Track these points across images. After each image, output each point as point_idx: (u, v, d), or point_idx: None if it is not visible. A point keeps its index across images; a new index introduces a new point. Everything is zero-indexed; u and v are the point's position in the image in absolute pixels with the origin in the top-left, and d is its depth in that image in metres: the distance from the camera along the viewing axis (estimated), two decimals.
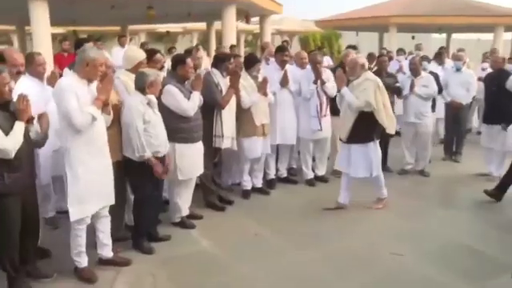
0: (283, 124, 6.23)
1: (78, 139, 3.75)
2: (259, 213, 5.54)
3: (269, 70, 6.39)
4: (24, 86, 4.04)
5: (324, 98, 6.32)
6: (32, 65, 4.58)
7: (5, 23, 16.86)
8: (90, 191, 3.83)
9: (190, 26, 22.70)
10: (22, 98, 3.49)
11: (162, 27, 21.98)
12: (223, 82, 5.45)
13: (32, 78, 4.57)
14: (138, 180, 4.41)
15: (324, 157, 6.77)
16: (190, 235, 4.91)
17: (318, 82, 6.21)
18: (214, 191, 5.68)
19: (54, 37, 12.79)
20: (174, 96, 4.74)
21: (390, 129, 5.37)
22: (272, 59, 6.94)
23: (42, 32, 9.05)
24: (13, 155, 3.37)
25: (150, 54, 5.33)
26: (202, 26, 19.18)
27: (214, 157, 5.54)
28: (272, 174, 6.46)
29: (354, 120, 5.26)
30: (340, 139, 5.55)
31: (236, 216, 5.44)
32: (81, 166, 3.78)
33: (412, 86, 6.87)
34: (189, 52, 6.69)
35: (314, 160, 6.77)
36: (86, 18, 14.91)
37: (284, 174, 6.65)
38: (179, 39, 27.42)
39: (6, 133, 3.36)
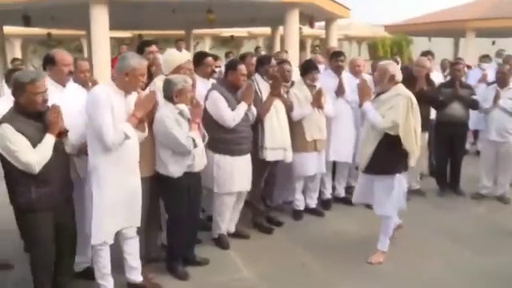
0: (338, 139, 5.64)
1: (108, 157, 3.40)
2: (310, 238, 4.96)
3: (323, 77, 5.77)
4: (70, 94, 3.75)
5: None
6: (75, 71, 4.29)
7: (76, 28, 17.31)
8: (114, 213, 3.49)
9: (255, 30, 22.46)
10: (54, 109, 3.19)
11: (226, 32, 21.89)
12: (265, 87, 4.93)
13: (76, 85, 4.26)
14: (171, 197, 4.03)
15: None
16: (231, 260, 4.45)
17: None
18: (263, 211, 5.19)
19: (121, 41, 12.93)
20: (217, 103, 4.37)
21: (413, 161, 4.31)
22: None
23: (101, 36, 9.13)
24: (37, 170, 3.09)
25: (199, 57, 4.99)
26: (268, 30, 18.85)
27: (264, 172, 5.03)
28: (328, 194, 5.87)
29: (377, 144, 4.23)
30: (356, 168, 4.68)
31: (284, 240, 4.91)
32: (108, 187, 3.44)
33: (496, 98, 5.99)
34: (243, 58, 6.20)
35: None
36: (149, 22, 14.98)
37: (341, 193, 6.03)
38: (244, 44, 27.26)
39: (35, 145, 3.08)
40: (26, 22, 11.15)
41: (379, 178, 4.29)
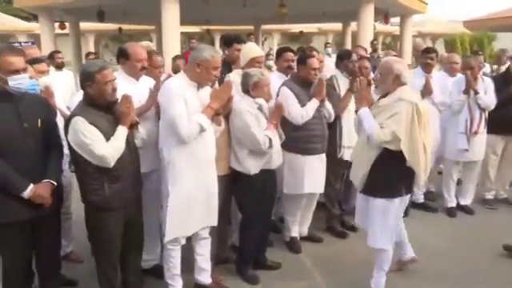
0: None
1: (184, 151, 3.26)
2: None
3: (411, 75, 5.35)
4: (143, 88, 3.66)
5: (477, 112, 5.19)
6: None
7: (146, 23, 17.70)
8: (191, 210, 3.35)
9: (324, 26, 22.06)
10: (125, 99, 3.06)
11: (295, 27, 21.64)
12: (344, 83, 4.64)
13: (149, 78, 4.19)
14: (246, 196, 3.84)
15: (472, 183, 5.61)
16: (303, 265, 4.22)
17: (471, 92, 5.10)
18: (337, 215, 4.90)
19: (190, 36, 13.05)
20: (286, 99, 4.15)
21: (421, 180, 3.50)
22: None
23: (172, 31, 9.19)
24: (112, 164, 2.98)
25: (279, 51, 4.84)
26: (338, 26, 18.40)
27: (340, 172, 4.74)
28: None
29: (375, 159, 3.42)
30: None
31: (358, 246, 4.57)
32: (184, 182, 3.31)
33: None
34: (304, 50, 5.90)
35: (458, 184, 5.64)
36: (219, 17, 15.04)
37: (420, 198, 5.63)
38: (314, 40, 26.85)
39: (108, 138, 2.97)
40: (100, 17, 11.48)
41: (375, 201, 3.49)
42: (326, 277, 4.00)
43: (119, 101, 3.08)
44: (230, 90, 3.41)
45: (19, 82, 2.93)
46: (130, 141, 3.14)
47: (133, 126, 3.17)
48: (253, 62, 4.17)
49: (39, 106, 3.12)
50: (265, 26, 19.10)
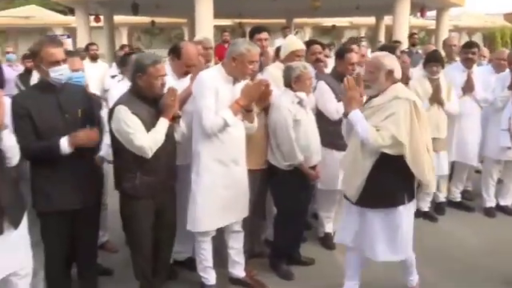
0: (463, 138, 5.11)
1: (209, 143, 3.26)
2: (421, 244, 4.42)
3: (451, 70, 5.24)
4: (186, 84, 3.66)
5: None
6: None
7: (178, 16, 17.81)
8: (217, 203, 3.34)
9: (357, 20, 21.76)
10: (171, 91, 3.07)
11: (327, 21, 21.41)
12: None
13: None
14: (283, 191, 3.79)
15: None
16: (337, 262, 4.14)
17: None
18: None
19: (222, 29, 13.06)
20: (322, 94, 4.13)
21: (432, 186, 3.28)
22: None
23: (205, 25, 9.24)
24: (150, 154, 3.01)
25: (307, 44, 4.70)
26: (370, 20, 18.13)
27: None
28: (442, 197, 5.35)
29: (372, 167, 3.07)
30: (345, 197, 3.34)
31: None
32: (209, 175, 3.30)
33: None
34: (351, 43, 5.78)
35: (498, 183, 5.46)
36: (251, 10, 14.99)
37: (457, 197, 5.48)
38: (345, 34, 26.54)
39: (148, 130, 3.00)
40: (135, 10, 11.60)
41: (375, 212, 3.14)
42: (362, 275, 3.94)
43: (165, 93, 3.10)
44: (261, 88, 3.32)
45: (60, 73, 2.98)
46: (169, 134, 3.15)
47: (174, 119, 3.16)
48: (293, 55, 4.11)
49: (79, 96, 3.17)
50: (297, 20, 18.95)
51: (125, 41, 21.95)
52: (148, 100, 3.08)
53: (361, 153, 3.10)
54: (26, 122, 2.89)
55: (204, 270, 3.54)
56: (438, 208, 5.30)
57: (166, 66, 3.51)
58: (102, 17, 14.75)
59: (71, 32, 19.55)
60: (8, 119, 2.72)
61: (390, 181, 3.06)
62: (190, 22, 17.52)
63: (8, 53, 9.13)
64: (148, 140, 2.98)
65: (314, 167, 3.82)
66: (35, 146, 2.90)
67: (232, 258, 3.65)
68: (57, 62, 2.95)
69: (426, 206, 5.16)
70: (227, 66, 3.30)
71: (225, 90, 3.25)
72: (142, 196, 3.13)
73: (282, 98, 3.67)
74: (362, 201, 3.14)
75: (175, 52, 3.62)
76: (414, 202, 3.27)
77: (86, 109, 3.10)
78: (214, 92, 3.19)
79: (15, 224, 2.75)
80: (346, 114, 3.15)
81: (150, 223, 3.24)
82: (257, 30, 4.52)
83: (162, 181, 3.18)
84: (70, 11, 26.08)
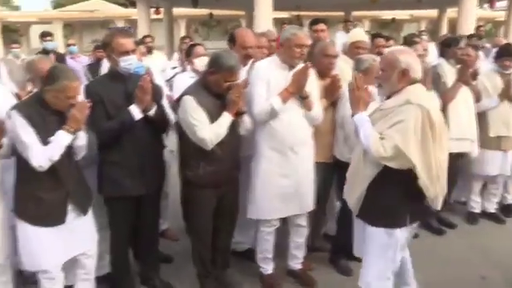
0: None
1: (264, 131, 3.30)
2: (488, 246, 4.32)
3: None
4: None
5: None
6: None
7: (236, 9, 17.89)
8: (275, 192, 3.34)
9: (418, 13, 21.09)
10: (237, 87, 3.08)
11: (387, 14, 20.88)
12: (450, 72, 4.39)
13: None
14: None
15: None
16: None
17: None
18: (433, 210, 4.64)
19: (282, 21, 13.00)
20: None
21: (437, 202, 2.74)
22: None
23: (264, 17, 9.18)
24: (210, 147, 3.05)
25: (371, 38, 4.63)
26: (432, 13, 17.51)
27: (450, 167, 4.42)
28: (510, 199, 5.10)
29: (373, 178, 2.71)
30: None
31: (456, 245, 4.36)
32: (266, 163, 3.32)
33: None
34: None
35: None
36: (309, 2, 14.78)
37: (491, 208, 5.03)
38: (405, 27, 25.82)
39: (213, 121, 3.05)
40: (194, 3, 11.71)
41: (372, 229, 2.79)
42: (420, 271, 3.78)
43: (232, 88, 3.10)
44: (307, 74, 3.22)
45: (129, 63, 3.07)
46: (234, 128, 3.17)
47: (238, 115, 3.17)
48: (352, 46, 4.07)
49: None
50: (355, 13, 18.59)
51: (183, 33, 22.34)
52: (215, 93, 3.12)
53: (363, 161, 2.76)
54: (99, 107, 3.00)
55: (264, 260, 3.56)
56: (506, 210, 5.04)
57: None
58: (161, 9, 15.04)
59: (132, 24, 20.12)
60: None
61: (392, 197, 2.67)
62: (248, 15, 17.60)
63: (70, 45, 9.44)
64: (210, 133, 3.01)
65: None
66: (108, 125, 3.01)
67: (292, 251, 3.65)
68: (126, 52, 3.04)
69: (492, 208, 4.93)
70: (280, 54, 3.33)
71: (279, 78, 3.25)
72: (205, 185, 3.16)
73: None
74: (362, 214, 2.83)
75: (230, 39, 3.66)
76: (412, 227, 2.85)
77: (154, 97, 3.15)
78: (265, 81, 3.22)
79: (83, 211, 2.91)
80: (352, 115, 2.82)
81: (212, 212, 3.28)
82: (314, 21, 4.55)
83: (225, 171, 3.20)
84: (131, 4, 26.83)
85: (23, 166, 2.72)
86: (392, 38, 5.13)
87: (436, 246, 4.32)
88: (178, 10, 17.44)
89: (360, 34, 4.26)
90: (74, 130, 2.71)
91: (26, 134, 2.64)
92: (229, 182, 3.31)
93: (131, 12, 22.88)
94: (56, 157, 2.67)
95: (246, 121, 3.28)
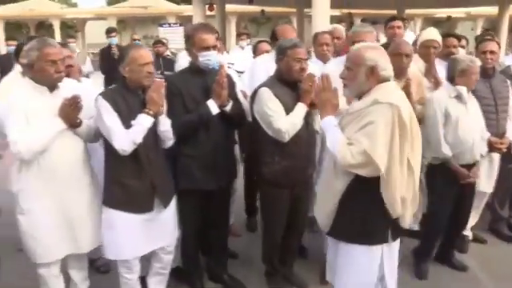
0: None
1: None
2: None
3: None
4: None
5: None
6: (314, 44, 4.27)
7: (285, 5, 17.84)
8: None
9: (474, 10, 20.39)
10: (309, 77, 3.06)
11: (441, 12, 20.30)
12: None
13: (315, 60, 4.19)
14: (439, 188, 3.65)
15: None
16: (468, 264, 3.91)
17: None
18: (504, 217, 4.50)
19: (340, 19, 12.90)
20: None
21: (405, 220, 2.45)
22: None
23: (321, 14, 9.08)
24: (287, 138, 3.03)
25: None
26: (489, 10, 16.88)
27: None
28: None
29: (346, 189, 2.44)
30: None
31: None
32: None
33: None
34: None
35: None
36: (361, 0, 14.54)
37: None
38: (459, 25, 25.05)
39: (287, 113, 3.04)
40: None
41: (347, 247, 2.49)
42: (491, 279, 3.72)
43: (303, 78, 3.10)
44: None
45: (208, 58, 3.09)
46: (309, 122, 3.16)
47: (312, 106, 3.11)
48: (422, 46, 4.00)
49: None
50: (408, 11, 18.14)
51: (234, 29, 22.50)
52: (290, 84, 3.11)
53: (333, 171, 2.48)
54: (178, 100, 3.06)
55: None
56: None
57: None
58: (215, 6, 15.17)
59: (183, 20, 20.43)
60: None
61: (367, 210, 2.40)
62: (299, 12, 17.53)
63: (135, 40, 9.72)
64: (286, 123, 2.99)
65: (469, 167, 3.57)
66: (186, 118, 3.06)
67: None
68: (207, 48, 3.07)
69: None
70: None
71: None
72: (282, 184, 3.16)
73: (438, 92, 3.56)
74: (335, 232, 2.54)
75: (272, 36, 3.73)
76: (397, 243, 2.54)
77: (230, 93, 3.17)
78: None
79: (165, 203, 2.95)
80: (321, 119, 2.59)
81: (285, 212, 3.27)
82: (392, 18, 4.52)
83: (301, 168, 3.18)
84: (183, 0, 27.31)
85: (109, 151, 2.81)
86: (463, 37, 4.96)
87: (507, 255, 4.15)
88: (229, 7, 17.55)
89: (433, 32, 4.14)
90: (153, 113, 2.76)
91: (109, 117, 2.72)
92: (304, 180, 3.29)
93: (183, 8, 23.32)
94: (138, 139, 2.72)
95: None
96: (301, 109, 3.06)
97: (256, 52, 4.41)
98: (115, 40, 7.99)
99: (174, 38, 12.35)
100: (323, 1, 9.02)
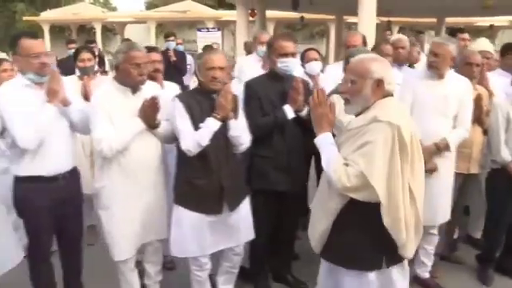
0: None
1: None
2: None
3: None
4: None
5: None
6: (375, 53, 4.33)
7: (326, 12, 17.87)
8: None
9: None
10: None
11: (483, 20, 19.95)
12: None
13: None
14: (487, 191, 3.78)
15: None
16: None
17: None
18: None
19: (384, 28, 12.83)
20: None
21: (407, 250, 2.31)
22: None
23: (367, 22, 9.17)
24: None
25: (506, 48, 4.55)
26: None
27: None
28: None
29: (339, 211, 2.32)
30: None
31: None
32: None
33: None
34: None
35: None
36: (402, 7, 14.40)
37: None
38: (499, 35, 24.57)
39: None
40: (295, 5, 11.78)
41: (339, 271, 2.41)
42: None
43: None
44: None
45: (286, 65, 3.26)
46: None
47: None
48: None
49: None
50: (448, 19, 17.91)
51: (272, 34, 22.63)
52: None
53: (328, 190, 2.35)
54: (255, 103, 3.24)
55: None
56: None
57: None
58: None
59: (221, 25, 20.71)
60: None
61: (362, 234, 2.27)
62: (338, 19, 17.55)
63: (178, 44, 9.93)
64: None
65: None
66: (262, 121, 3.22)
67: (420, 257, 3.66)
68: (286, 54, 3.24)
69: None
70: None
71: None
72: None
73: (501, 98, 3.66)
74: (327, 254, 2.43)
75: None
76: (403, 269, 2.41)
77: (306, 99, 3.25)
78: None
79: (232, 206, 3.04)
80: (315, 136, 2.44)
81: None
82: (460, 30, 4.56)
83: None
84: (219, 5, 27.65)
85: (181, 151, 2.93)
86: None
87: None
88: (268, 13, 17.70)
89: (485, 43, 4.24)
90: (221, 117, 2.86)
91: (181, 118, 2.87)
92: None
93: (221, 13, 23.64)
94: (204, 142, 2.82)
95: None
96: None
97: (304, 60, 4.55)
98: (173, 44, 8.19)
99: (211, 41, 12.61)
100: (370, 9, 9.10)
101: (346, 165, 2.18)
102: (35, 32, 3.30)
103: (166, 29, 28.13)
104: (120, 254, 3.09)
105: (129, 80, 2.94)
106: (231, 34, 25.81)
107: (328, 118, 2.36)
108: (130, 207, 3.01)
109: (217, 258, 3.27)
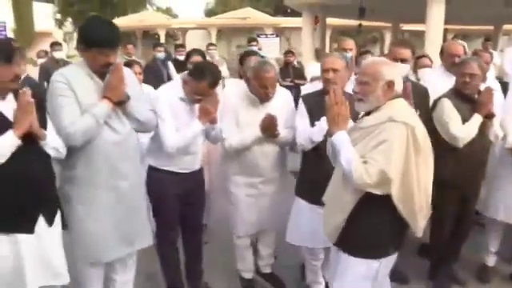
0: None
1: None
2: None
3: None
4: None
5: None
6: (443, 55, 4.31)
7: (385, 20, 18.37)
8: None
9: None
10: (487, 89, 3.41)
11: None
12: None
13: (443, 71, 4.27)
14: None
15: None
16: None
17: None
18: None
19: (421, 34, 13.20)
20: None
21: (419, 231, 2.53)
22: None
23: (435, 29, 9.57)
24: (461, 145, 3.35)
25: None
26: None
27: None
28: None
29: (354, 205, 2.46)
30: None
31: None
32: None
33: None
34: None
35: None
36: (458, 15, 14.48)
37: None
38: None
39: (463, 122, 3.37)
40: (361, 14, 12.19)
41: (350, 259, 2.55)
42: None
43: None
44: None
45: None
46: (483, 132, 3.46)
47: (488, 117, 3.42)
48: None
49: None
50: (506, 26, 18.00)
51: (328, 42, 23.39)
52: (467, 99, 3.45)
53: (343, 185, 2.47)
54: None
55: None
56: None
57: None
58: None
59: (279, 32, 21.65)
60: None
61: (375, 226, 2.45)
62: (395, 27, 18.08)
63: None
64: (462, 131, 3.32)
65: None
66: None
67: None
68: (402, 60, 3.46)
69: None
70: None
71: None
72: (451, 185, 3.40)
73: None
74: (342, 244, 2.57)
75: (440, 51, 4.23)
76: (393, 257, 2.61)
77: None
78: None
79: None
80: (330, 134, 2.56)
81: (454, 211, 3.57)
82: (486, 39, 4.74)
83: (471, 174, 3.50)
84: (276, 12, 28.71)
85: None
86: None
87: None
88: (328, 20, 18.42)
89: None
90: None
91: (301, 118, 3.31)
92: (473, 184, 3.59)
93: (280, 20, 24.67)
94: (316, 139, 3.15)
95: (495, 123, 3.51)
96: (477, 118, 3.36)
97: (416, 67, 4.74)
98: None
99: (270, 47, 12.86)
100: (438, 16, 9.42)
101: (364, 162, 2.33)
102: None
103: (224, 35, 29.48)
104: (241, 231, 3.60)
105: (256, 94, 3.39)
106: (286, 40, 26.74)
107: (343, 117, 2.49)
108: (251, 195, 3.51)
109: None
